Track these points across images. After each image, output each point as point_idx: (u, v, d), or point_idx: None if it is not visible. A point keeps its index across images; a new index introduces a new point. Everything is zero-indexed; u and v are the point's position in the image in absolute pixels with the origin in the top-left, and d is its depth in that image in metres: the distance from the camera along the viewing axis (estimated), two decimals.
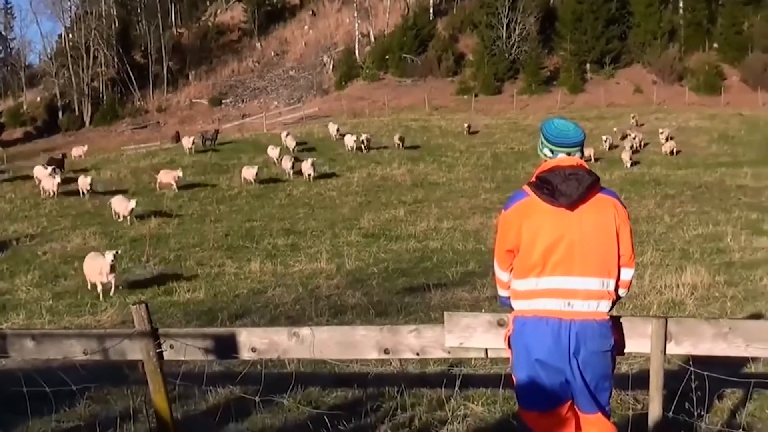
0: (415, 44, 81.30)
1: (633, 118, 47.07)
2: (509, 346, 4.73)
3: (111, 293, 17.24)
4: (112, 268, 17.31)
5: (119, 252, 18.78)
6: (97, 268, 17.44)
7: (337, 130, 49.05)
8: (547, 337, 4.48)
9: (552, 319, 4.49)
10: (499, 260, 4.78)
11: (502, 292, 4.92)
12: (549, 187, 4.49)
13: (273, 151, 41.29)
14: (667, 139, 43.94)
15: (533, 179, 4.62)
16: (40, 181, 35.36)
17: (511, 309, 4.75)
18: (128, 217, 27.37)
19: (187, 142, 46.29)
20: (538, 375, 4.55)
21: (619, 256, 4.58)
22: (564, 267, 4.48)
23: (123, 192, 32.60)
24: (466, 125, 50.95)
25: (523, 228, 4.53)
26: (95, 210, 30.51)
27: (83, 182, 33.61)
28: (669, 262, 17.42)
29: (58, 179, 33.98)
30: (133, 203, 27.59)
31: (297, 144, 45.35)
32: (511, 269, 4.72)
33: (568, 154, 4.61)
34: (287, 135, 46.05)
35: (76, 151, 51.95)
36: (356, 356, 5.78)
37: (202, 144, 47.00)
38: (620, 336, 4.85)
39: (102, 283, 17.31)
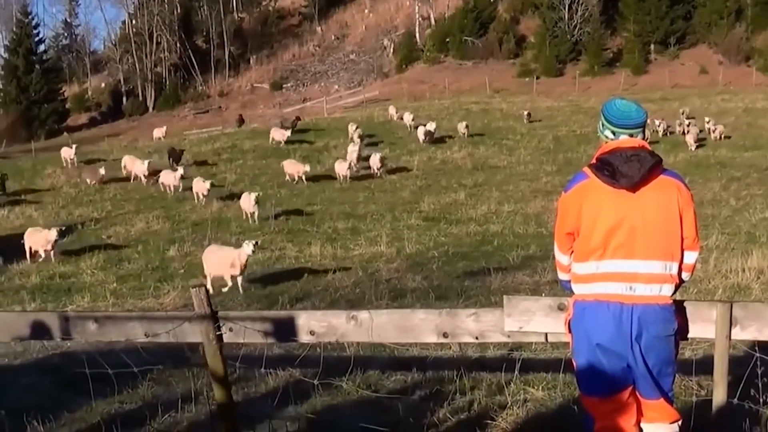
0: (475, 27, 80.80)
1: (683, 113, 44.45)
2: (569, 331, 4.67)
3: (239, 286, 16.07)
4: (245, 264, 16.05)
5: (258, 242, 17.23)
6: (229, 261, 16.02)
7: (396, 111, 48.58)
8: (608, 322, 4.41)
9: (613, 303, 4.41)
10: (559, 243, 4.71)
11: (563, 276, 4.85)
12: (610, 168, 4.40)
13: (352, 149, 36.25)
14: (710, 132, 41.23)
15: (594, 161, 4.53)
16: (137, 177, 33.93)
17: (572, 293, 4.68)
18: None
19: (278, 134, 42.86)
20: (598, 360, 4.48)
21: (682, 239, 4.48)
22: (626, 250, 4.39)
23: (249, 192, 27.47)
24: (525, 113, 49.01)
25: (583, 210, 4.45)
26: (159, 194, 30.89)
27: (200, 187, 29.34)
28: (735, 246, 17.13)
29: (180, 172, 31.55)
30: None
31: (364, 137, 43.29)
32: (572, 252, 4.65)
33: (630, 135, 4.51)
34: (356, 129, 43.25)
35: (157, 133, 52.55)
36: (414, 340, 5.74)
37: (285, 129, 44.74)
38: (684, 320, 4.75)
39: (232, 276, 16.10)
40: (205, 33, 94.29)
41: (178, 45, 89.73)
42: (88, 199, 30.99)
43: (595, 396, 4.59)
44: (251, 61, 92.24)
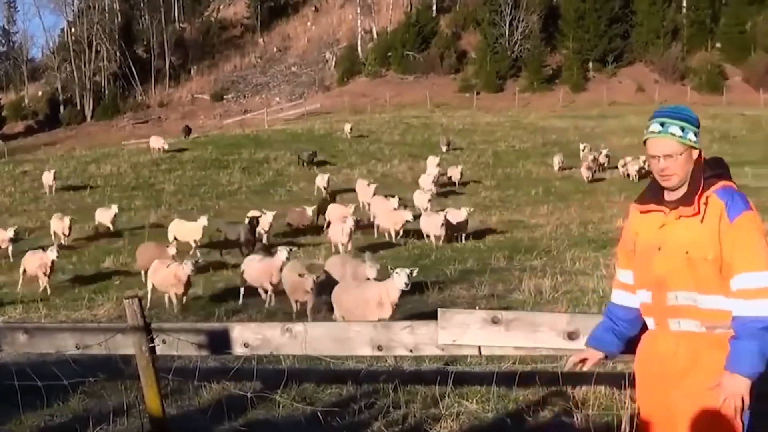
0: (417, 41, 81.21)
1: (583, 149, 40.58)
2: None
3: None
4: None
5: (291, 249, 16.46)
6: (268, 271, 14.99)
7: (350, 129, 47.93)
8: None
9: None
10: None
11: None
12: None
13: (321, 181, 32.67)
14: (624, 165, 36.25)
15: (728, 179, 4.11)
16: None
17: None
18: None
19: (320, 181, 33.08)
20: None
21: None
22: None
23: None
24: (445, 140, 44.10)
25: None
26: (95, 204, 30.50)
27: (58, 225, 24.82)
28: None
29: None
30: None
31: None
32: None
33: None
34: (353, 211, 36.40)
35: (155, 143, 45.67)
36: (349, 352, 5.75)
37: (300, 163, 39.58)
38: None
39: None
40: (145, 42, 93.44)
41: (117, 54, 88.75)
42: (22, 209, 30.53)
43: None
44: (192, 72, 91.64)
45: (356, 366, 8.30)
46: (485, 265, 17.43)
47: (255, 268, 15.32)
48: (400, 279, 11.12)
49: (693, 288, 3.94)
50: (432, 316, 5.21)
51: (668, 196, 4.11)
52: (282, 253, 14.87)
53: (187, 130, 55.53)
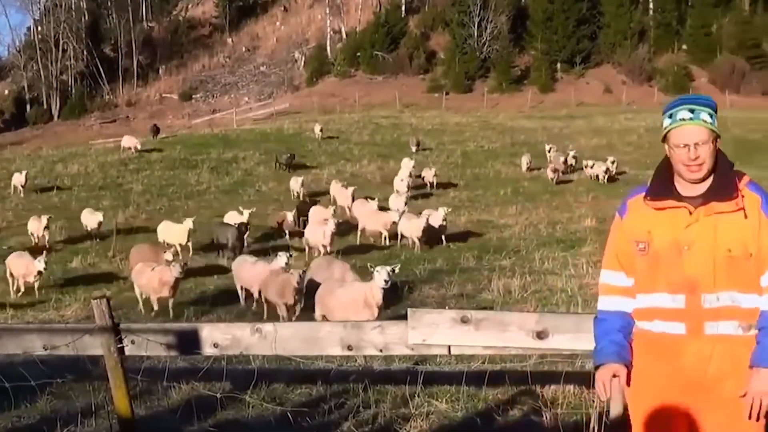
0: (386, 41, 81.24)
1: (549, 150, 40.09)
2: None
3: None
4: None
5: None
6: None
7: (321, 131, 47.44)
8: None
9: None
10: None
11: None
12: None
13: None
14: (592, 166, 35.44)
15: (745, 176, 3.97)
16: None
17: None
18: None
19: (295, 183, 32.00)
20: None
21: None
22: None
23: None
24: (414, 140, 43.93)
25: None
26: (62, 204, 30.28)
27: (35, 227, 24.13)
28: None
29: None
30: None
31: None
32: None
33: None
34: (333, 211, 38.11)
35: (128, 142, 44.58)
36: (319, 352, 5.75)
37: (277, 167, 38.76)
38: None
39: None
40: (113, 41, 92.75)
41: (85, 53, 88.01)
42: None
43: None
44: (160, 71, 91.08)
45: (326, 366, 8.31)
46: (454, 264, 17.50)
47: (247, 270, 14.84)
48: (380, 276, 11.02)
49: (734, 287, 3.76)
50: (402, 315, 5.23)
51: (686, 190, 3.88)
52: (281, 258, 14.19)
53: (156, 130, 55.04)
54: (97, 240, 23.94)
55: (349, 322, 5.55)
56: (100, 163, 40.28)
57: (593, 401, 6.70)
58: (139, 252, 17.71)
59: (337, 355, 6.11)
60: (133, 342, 5.57)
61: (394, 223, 22.12)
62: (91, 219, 24.81)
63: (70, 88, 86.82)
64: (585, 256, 18.33)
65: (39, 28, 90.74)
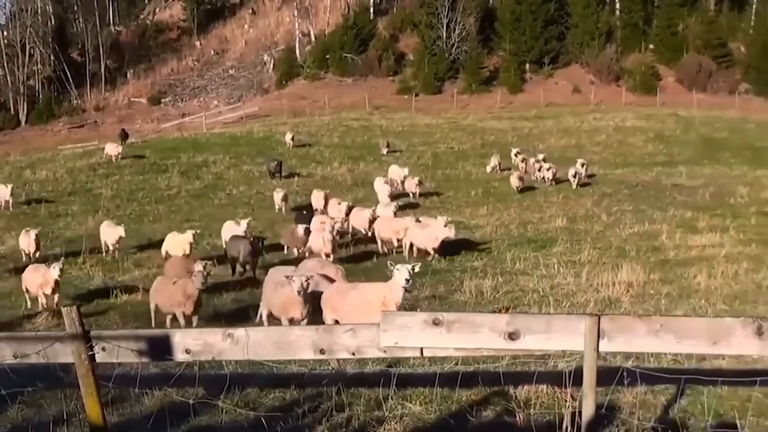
0: (355, 44, 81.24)
1: (515, 155, 39.55)
2: None
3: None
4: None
5: None
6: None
7: (292, 138, 46.68)
8: None
9: None
10: None
11: None
12: None
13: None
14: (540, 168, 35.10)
15: None
16: None
17: None
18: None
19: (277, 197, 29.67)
20: None
21: None
22: None
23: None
24: (384, 142, 44.36)
25: None
26: (31, 211, 29.99)
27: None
28: (606, 261, 17.67)
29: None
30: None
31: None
32: None
33: None
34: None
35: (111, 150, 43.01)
36: (291, 356, 5.75)
37: (271, 176, 37.31)
38: None
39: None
40: (80, 46, 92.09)
41: (52, 57, 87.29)
42: None
43: None
44: (128, 75, 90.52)
45: (299, 370, 8.29)
46: (426, 266, 17.51)
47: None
48: (401, 275, 10.10)
49: None
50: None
51: None
52: (296, 283, 11.29)
53: (124, 135, 54.55)
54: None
55: (320, 326, 5.56)
56: (68, 169, 39.93)
57: (566, 401, 6.75)
58: (173, 266, 16.34)
59: (310, 358, 6.11)
60: (104, 349, 5.54)
61: (406, 229, 21.21)
62: (110, 234, 21.97)
63: (37, 93, 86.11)
64: (556, 256, 18.47)
65: (5, 33, 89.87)
